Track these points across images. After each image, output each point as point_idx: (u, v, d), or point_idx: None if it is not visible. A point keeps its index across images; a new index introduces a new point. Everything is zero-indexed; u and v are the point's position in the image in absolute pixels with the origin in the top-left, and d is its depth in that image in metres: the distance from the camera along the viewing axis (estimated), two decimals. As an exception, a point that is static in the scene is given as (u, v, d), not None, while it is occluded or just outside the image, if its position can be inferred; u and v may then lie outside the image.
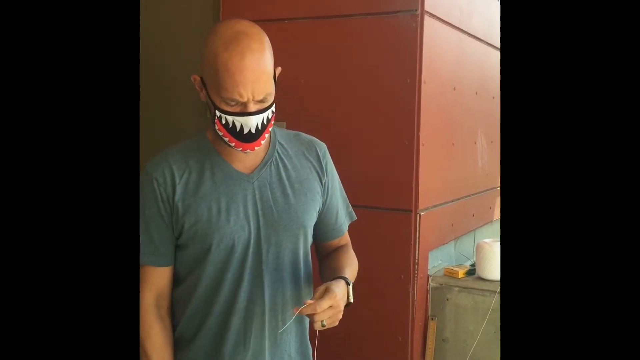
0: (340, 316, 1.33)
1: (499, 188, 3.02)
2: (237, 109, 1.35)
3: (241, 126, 1.36)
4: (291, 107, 2.27)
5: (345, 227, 1.61)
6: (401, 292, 2.15)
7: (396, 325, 2.15)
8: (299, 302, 1.49)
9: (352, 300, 1.39)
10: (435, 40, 2.20)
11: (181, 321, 1.50)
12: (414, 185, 2.12)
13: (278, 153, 1.50)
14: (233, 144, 1.39)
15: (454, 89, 2.42)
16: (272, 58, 1.39)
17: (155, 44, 2.51)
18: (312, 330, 1.47)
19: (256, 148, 1.41)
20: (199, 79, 1.40)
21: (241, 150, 1.41)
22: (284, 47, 2.28)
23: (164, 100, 2.50)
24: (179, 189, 1.43)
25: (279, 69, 1.42)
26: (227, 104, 1.34)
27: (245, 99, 1.33)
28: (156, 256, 1.45)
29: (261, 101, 1.35)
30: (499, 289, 2.13)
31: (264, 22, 2.26)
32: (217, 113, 1.37)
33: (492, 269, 2.18)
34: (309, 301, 1.29)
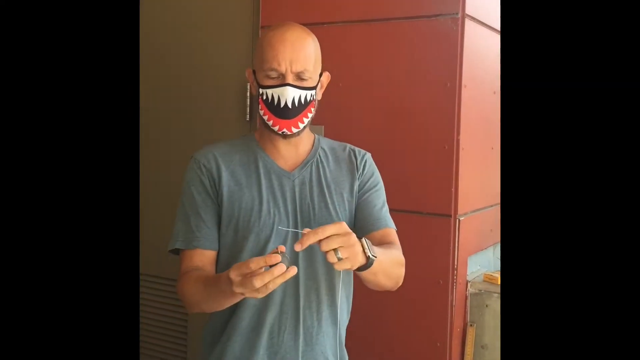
0: (356, 249, 1.25)
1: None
2: (276, 82, 1.45)
3: (278, 98, 1.44)
4: (330, 111, 2.27)
5: (386, 223, 1.58)
6: (440, 298, 2.13)
7: (435, 331, 2.13)
8: (333, 303, 1.51)
9: (370, 255, 1.31)
10: (476, 43, 2.18)
11: (215, 313, 1.52)
12: (453, 189, 2.10)
13: (319, 156, 1.58)
14: (271, 122, 1.47)
15: (494, 93, 2.39)
16: (318, 50, 1.52)
17: (195, 50, 2.53)
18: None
19: (294, 129, 1.48)
20: (251, 70, 1.52)
21: (278, 130, 1.47)
22: (323, 51, 2.29)
23: (206, 104, 2.52)
24: (224, 177, 1.49)
25: (327, 75, 1.54)
26: (269, 77, 1.45)
27: (283, 69, 1.43)
28: (205, 239, 1.48)
29: (300, 77, 1.45)
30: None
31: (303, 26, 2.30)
32: (260, 90, 1.47)
33: (533, 275, 2.15)
34: (306, 229, 1.24)
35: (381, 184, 1.63)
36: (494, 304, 2.19)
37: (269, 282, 1.17)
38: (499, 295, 2.19)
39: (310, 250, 1.45)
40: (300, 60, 1.44)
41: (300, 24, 2.33)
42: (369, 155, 1.65)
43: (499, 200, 2.50)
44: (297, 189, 1.52)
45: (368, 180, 1.60)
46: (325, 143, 1.64)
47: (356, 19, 2.24)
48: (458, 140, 2.09)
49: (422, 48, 2.13)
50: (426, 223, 2.14)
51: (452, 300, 2.12)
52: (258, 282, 1.16)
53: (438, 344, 2.13)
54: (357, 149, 1.65)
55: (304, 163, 1.56)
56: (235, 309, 1.48)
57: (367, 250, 1.30)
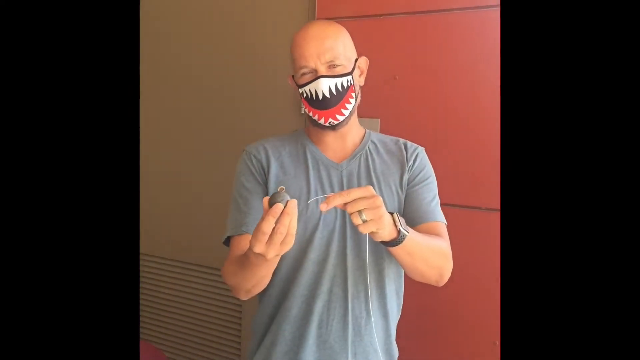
0: (381, 212, 1.23)
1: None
2: (310, 78, 1.48)
3: (315, 92, 1.47)
4: (385, 104, 2.25)
5: (434, 216, 1.55)
6: (495, 292, 2.08)
7: (493, 329, 2.09)
8: (382, 294, 1.51)
9: (402, 229, 1.29)
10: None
11: (262, 304, 1.55)
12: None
13: (369, 149, 1.59)
14: (316, 117, 1.51)
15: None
16: (346, 37, 1.53)
17: (252, 45, 2.54)
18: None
19: (338, 117, 1.50)
20: (290, 77, 1.56)
21: (323, 122, 1.50)
22: (380, 43, 2.26)
23: (261, 102, 2.53)
24: (273, 167, 1.53)
25: (364, 59, 1.58)
26: (304, 75, 1.49)
27: (313, 64, 1.47)
28: (253, 224, 1.48)
29: (331, 67, 1.48)
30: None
31: (359, 19, 2.28)
32: (300, 91, 1.51)
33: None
34: (331, 193, 1.26)
35: (433, 179, 1.61)
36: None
37: (278, 226, 1.13)
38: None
39: (358, 240, 1.48)
40: (327, 50, 1.47)
41: (357, 17, 2.33)
42: (421, 149, 1.63)
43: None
44: (345, 180, 1.53)
45: (418, 173, 1.59)
46: (377, 137, 1.65)
47: (413, 10, 2.20)
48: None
49: (480, 40, 2.08)
50: (482, 217, 2.10)
51: (510, 298, 2.07)
52: (265, 227, 1.13)
53: (496, 343, 2.09)
54: (409, 143, 1.64)
55: (353, 155, 1.58)
56: (283, 300, 1.50)
57: (397, 224, 1.28)
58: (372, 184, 1.53)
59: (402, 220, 1.31)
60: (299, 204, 1.47)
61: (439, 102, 2.16)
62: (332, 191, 1.50)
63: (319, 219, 1.48)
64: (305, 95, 1.50)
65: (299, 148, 1.59)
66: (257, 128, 2.52)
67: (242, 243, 1.47)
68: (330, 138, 1.58)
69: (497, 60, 2.04)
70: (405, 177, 1.56)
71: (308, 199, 1.48)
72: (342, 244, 1.48)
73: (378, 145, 1.62)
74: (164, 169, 2.80)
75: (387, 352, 1.55)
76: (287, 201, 1.14)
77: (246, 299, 1.49)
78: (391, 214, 1.29)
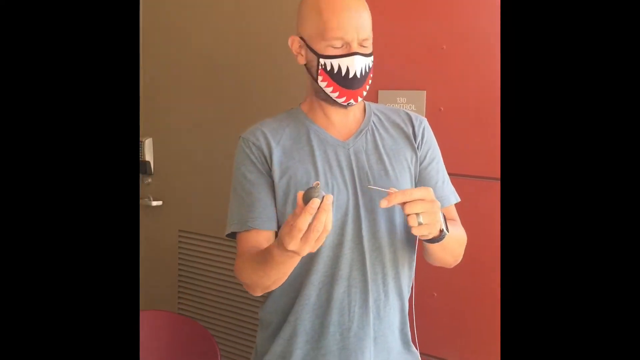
0: (437, 218, 1.25)
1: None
2: (342, 51, 1.38)
3: (347, 69, 1.37)
4: (433, 75, 2.13)
5: (448, 199, 1.52)
6: (498, 266, 1.97)
7: (493, 300, 1.98)
8: (397, 274, 1.45)
9: (444, 229, 1.31)
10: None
11: (274, 293, 1.46)
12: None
13: (374, 122, 1.49)
14: (337, 94, 1.39)
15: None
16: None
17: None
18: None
19: (359, 99, 1.41)
20: (297, 38, 1.43)
21: (344, 102, 1.40)
22: (425, 12, 2.14)
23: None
24: (275, 152, 1.42)
25: None
26: (333, 46, 1.37)
27: (349, 37, 1.36)
28: (260, 218, 1.41)
29: (363, 45, 1.39)
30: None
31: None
32: (322, 61, 1.39)
33: None
34: (392, 188, 1.24)
35: (439, 152, 1.56)
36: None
37: (315, 223, 1.12)
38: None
39: (373, 221, 1.41)
40: (365, 26, 1.39)
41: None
42: (425, 120, 1.56)
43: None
44: (353, 158, 1.44)
45: (427, 150, 1.52)
46: (377, 108, 1.56)
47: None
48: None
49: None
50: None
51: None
52: (302, 224, 1.11)
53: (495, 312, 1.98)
54: (412, 113, 1.56)
55: (358, 131, 1.48)
56: (301, 289, 1.42)
57: (442, 223, 1.30)
58: (382, 159, 1.45)
59: (445, 218, 1.32)
60: (308, 186, 1.37)
61: (490, 72, 2.04)
62: (341, 172, 1.42)
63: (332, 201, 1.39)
64: (330, 68, 1.38)
65: (300, 128, 1.48)
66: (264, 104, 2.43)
67: (251, 239, 1.41)
68: (335, 115, 1.48)
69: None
70: (416, 153, 1.50)
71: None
72: (357, 226, 1.41)
73: (381, 117, 1.53)
74: (198, 147, 2.76)
75: (403, 331, 1.51)
76: (323, 196, 1.13)
77: (261, 294, 1.44)
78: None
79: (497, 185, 1.99)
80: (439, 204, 1.25)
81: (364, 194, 1.42)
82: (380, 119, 1.52)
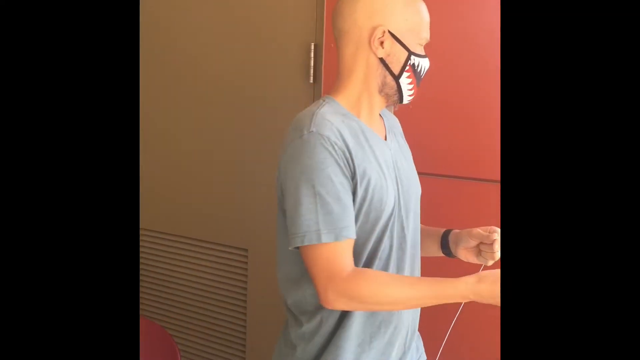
0: None
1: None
2: (424, 52, 1.45)
3: (424, 69, 1.45)
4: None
5: None
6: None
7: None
8: (419, 268, 1.54)
9: None
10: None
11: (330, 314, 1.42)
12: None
13: (388, 122, 1.56)
14: (412, 92, 1.45)
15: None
16: None
17: (255, 6, 2.42)
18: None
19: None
20: (385, 30, 1.38)
21: (407, 100, 1.46)
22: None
23: (266, 64, 2.43)
24: (352, 150, 1.33)
25: None
26: (420, 45, 1.43)
27: (428, 40, 1.45)
28: (352, 227, 1.32)
29: None
30: None
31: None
32: (412, 59, 1.41)
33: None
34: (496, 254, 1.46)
35: None
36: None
37: None
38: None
39: (409, 220, 1.47)
40: None
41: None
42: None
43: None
44: (394, 158, 1.47)
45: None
46: None
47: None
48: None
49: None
50: (481, 189, 2.02)
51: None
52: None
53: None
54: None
55: (388, 131, 1.51)
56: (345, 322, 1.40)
57: None
58: (408, 160, 1.54)
59: None
60: (381, 193, 1.36)
61: (454, 70, 2.07)
62: (389, 172, 1.41)
63: (393, 208, 1.40)
64: (418, 65, 1.42)
65: (352, 125, 1.37)
66: (264, 97, 2.41)
67: (348, 250, 1.31)
68: (377, 114, 1.48)
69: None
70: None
71: (385, 183, 1.37)
72: (400, 226, 1.43)
73: (383, 118, 1.54)
74: (165, 140, 2.70)
75: (418, 336, 1.63)
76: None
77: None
78: None
79: (467, 184, 2.02)
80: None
81: (404, 193, 1.45)
82: (387, 120, 1.56)
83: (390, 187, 1.39)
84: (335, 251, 1.29)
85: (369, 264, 1.38)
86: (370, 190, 1.33)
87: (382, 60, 1.39)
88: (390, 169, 1.41)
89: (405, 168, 1.48)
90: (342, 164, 1.29)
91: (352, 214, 1.31)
